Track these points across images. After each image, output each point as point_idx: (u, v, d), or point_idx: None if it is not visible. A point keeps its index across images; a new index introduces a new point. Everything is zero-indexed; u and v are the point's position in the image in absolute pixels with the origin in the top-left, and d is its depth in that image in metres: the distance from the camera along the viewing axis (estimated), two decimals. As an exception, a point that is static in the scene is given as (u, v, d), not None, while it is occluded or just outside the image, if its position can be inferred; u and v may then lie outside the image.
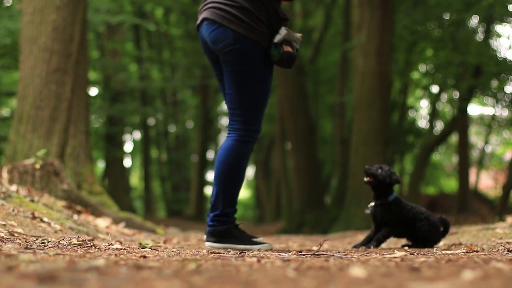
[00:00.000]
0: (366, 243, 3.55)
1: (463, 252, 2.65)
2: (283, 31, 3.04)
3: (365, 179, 3.52)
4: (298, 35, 3.12)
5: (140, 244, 3.29)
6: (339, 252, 2.78)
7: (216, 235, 3.11)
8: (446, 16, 11.88)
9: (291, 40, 3.06)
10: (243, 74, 3.09)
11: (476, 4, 10.02)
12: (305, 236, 7.45)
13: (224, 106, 21.54)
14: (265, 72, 3.12)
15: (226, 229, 3.11)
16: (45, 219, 3.77)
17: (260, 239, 3.21)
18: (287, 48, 3.03)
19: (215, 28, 3.06)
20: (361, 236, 5.89)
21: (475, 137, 20.35)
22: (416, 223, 3.52)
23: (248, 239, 3.14)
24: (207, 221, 3.17)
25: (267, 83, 3.15)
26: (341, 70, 14.37)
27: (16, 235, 2.99)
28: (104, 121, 15.09)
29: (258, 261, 2.00)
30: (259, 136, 3.21)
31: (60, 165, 5.13)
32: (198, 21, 3.19)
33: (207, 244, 3.12)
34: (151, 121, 19.07)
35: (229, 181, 3.12)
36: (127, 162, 20.98)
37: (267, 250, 3.04)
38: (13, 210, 3.59)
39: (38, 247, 2.41)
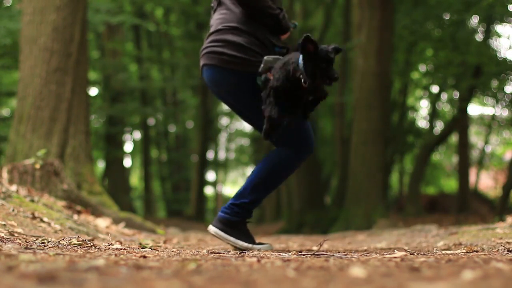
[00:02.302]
0: None
1: (463, 252, 2.65)
2: (264, 59, 2.98)
3: None
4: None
5: (140, 244, 3.29)
6: (339, 252, 2.78)
7: (224, 223, 3.10)
8: (446, 16, 11.88)
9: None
10: (257, 108, 3.03)
11: (476, 4, 10.01)
12: (305, 236, 7.45)
13: (224, 106, 21.56)
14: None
15: (235, 220, 3.10)
16: (45, 219, 3.77)
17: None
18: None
19: (215, 72, 3.07)
20: (361, 236, 5.89)
21: (475, 137, 20.36)
22: None
23: (251, 239, 3.14)
24: (223, 207, 3.17)
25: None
26: (341, 70, 14.37)
27: (16, 235, 2.99)
28: (104, 121, 15.10)
29: (258, 261, 2.00)
30: (311, 149, 3.15)
31: (60, 165, 5.13)
32: (200, 65, 3.21)
33: (213, 228, 3.11)
34: (151, 121, 19.07)
35: (266, 183, 3.12)
36: (127, 162, 20.99)
37: (267, 251, 3.04)
38: (13, 210, 3.59)
39: (38, 247, 2.41)
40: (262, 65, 2.98)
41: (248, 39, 3.04)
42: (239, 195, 3.14)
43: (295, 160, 3.13)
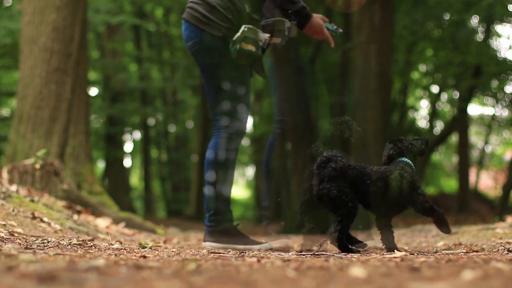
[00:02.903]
0: None
1: (463, 252, 2.64)
2: (242, 29, 3.03)
3: None
4: (266, 35, 3.10)
5: (140, 244, 3.29)
6: (339, 252, 2.77)
7: (215, 235, 3.11)
8: (446, 16, 11.87)
9: (257, 40, 3.05)
10: (212, 72, 3.15)
11: (476, 4, 10.01)
12: (305, 236, 7.44)
13: (224, 106, 21.54)
14: (236, 66, 3.13)
15: (224, 228, 3.11)
16: (45, 219, 3.77)
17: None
18: (247, 46, 3.02)
19: (187, 27, 3.19)
20: (361, 236, 5.89)
21: (475, 137, 20.34)
22: None
23: (247, 239, 3.14)
24: (205, 221, 3.18)
25: (240, 77, 3.16)
26: (341, 70, 14.36)
27: (16, 235, 2.99)
28: (104, 121, 15.09)
29: (258, 261, 2.00)
30: (244, 130, 3.21)
31: (60, 165, 5.13)
32: None
33: (207, 244, 3.12)
34: (151, 121, 19.06)
35: (217, 179, 3.14)
36: (127, 162, 20.97)
37: (267, 250, 3.04)
38: (13, 210, 3.59)
39: (38, 247, 2.41)
40: (238, 34, 3.02)
41: (224, 3, 3.09)
42: (208, 203, 3.17)
43: (232, 143, 3.17)
